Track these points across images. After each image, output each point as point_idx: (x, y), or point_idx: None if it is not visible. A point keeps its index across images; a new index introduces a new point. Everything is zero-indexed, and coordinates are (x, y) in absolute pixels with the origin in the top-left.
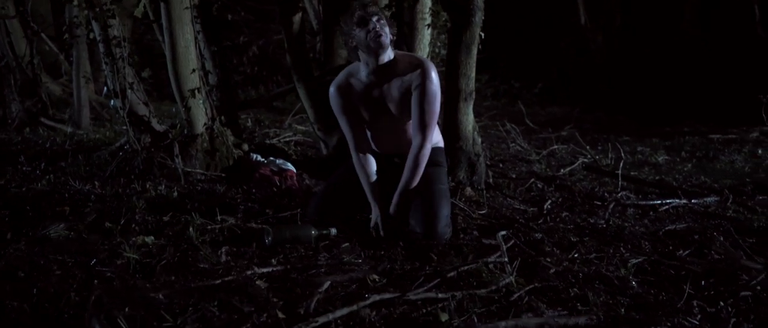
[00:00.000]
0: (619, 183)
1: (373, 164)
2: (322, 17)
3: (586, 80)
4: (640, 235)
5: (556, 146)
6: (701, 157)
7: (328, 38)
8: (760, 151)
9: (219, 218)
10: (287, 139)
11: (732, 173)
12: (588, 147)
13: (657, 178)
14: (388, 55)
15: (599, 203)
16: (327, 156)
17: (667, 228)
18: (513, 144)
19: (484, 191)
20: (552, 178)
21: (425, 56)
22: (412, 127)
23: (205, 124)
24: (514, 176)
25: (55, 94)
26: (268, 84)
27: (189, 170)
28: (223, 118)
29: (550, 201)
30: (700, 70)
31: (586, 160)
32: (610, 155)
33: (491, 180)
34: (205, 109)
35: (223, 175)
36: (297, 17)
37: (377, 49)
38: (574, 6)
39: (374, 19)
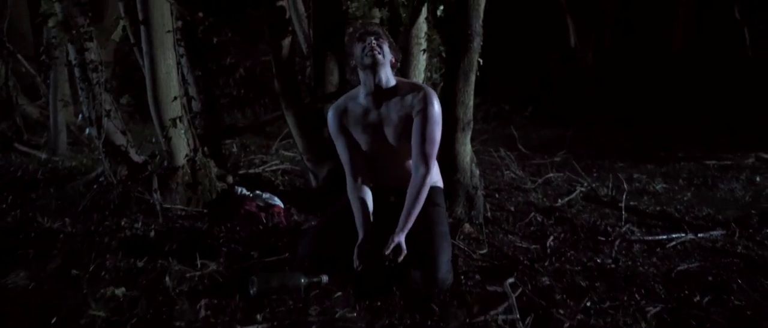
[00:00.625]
0: (623, 217)
1: (368, 192)
2: (313, 41)
3: (577, 102)
4: (652, 277)
5: (551, 174)
6: (699, 184)
7: (319, 63)
8: (758, 179)
9: (199, 262)
10: (274, 167)
11: (733, 203)
12: (584, 174)
13: (658, 208)
14: (387, 77)
15: (603, 239)
16: (316, 188)
17: (678, 268)
18: (507, 171)
19: (483, 227)
20: (551, 209)
21: (421, 82)
22: (413, 157)
23: (186, 155)
24: (512, 208)
25: (32, 117)
26: (255, 107)
27: (168, 205)
28: (206, 149)
29: (552, 237)
30: (691, 92)
31: (583, 189)
32: (607, 183)
33: (489, 214)
34: (187, 140)
35: (206, 211)
36: (286, 41)
37: (371, 65)
38: (563, 27)
39: (372, 37)
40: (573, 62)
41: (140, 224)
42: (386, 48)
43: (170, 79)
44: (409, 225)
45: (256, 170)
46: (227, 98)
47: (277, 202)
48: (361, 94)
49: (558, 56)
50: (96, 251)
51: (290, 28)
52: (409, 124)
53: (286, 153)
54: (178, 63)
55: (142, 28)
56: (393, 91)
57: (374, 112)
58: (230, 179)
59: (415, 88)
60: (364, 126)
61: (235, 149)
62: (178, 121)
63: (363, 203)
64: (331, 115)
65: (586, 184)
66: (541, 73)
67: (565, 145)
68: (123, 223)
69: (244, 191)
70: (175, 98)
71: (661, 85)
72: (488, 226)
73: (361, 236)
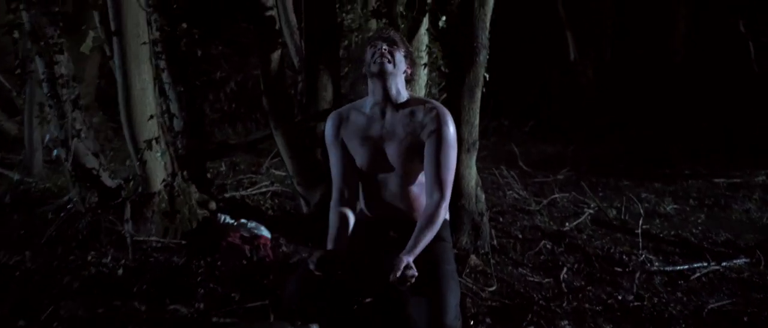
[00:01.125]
0: (640, 244)
1: (351, 213)
2: (305, 54)
3: (578, 117)
4: (682, 317)
5: (557, 195)
6: (712, 205)
7: (312, 78)
8: None
9: (170, 307)
10: (263, 189)
11: (750, 226)
12: (591, 193)
13: (673, 233)
14: (398, 89)
15: (620, 270)
16: (307, 215)
17: (710, 306)
18: (510, 191)
19: (490, 256)
20: (560, 234)
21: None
22: (426, 183)
23: (164, 180)
24: (519, 233)
25: (10, 133)
26: (247, 122)
27: (141, 238)
28: (185, 173)
29: (565, 269)
30: (695, 107)
31: (591, 211)
32: (615, 204)
33: (495, 242)
34: (165, 163)
35: (184, 242)
36: (276, 54)
37: (377, 73)
38: (563, 41)
39: (384, 42)
40: (573, 76)
41: (109, 258)
42: (399, 56)
43: (145, 96)
44: (419, 249)
45: (244, 193)
46: (218, 113)
47: (264, 232)
48: (367, 104)
49: (558, 70)
50: (53, 294)
51: (280, 41)
52: (415, 142)
53: (277, 172)
54: (156, 78)
55: (114, 39)
56: (403, 106)
57: (378, 124)
58: (213, 205)
59: (427, 105)
60: (364, 138)
61: (223, 168)
62: (154, 142)
63: (343, 219)
64: (329, 122)
65: (593, 205)
66: (540, 87)
67: (568, 162)
68: (89, 257)
69: (228, 219)
70: (151, 117)
71: (664, 100)
72: (495, 255)
73: (329, 247)
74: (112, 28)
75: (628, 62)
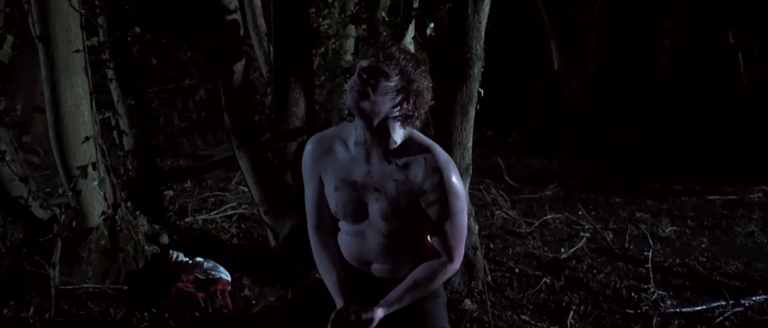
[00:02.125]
0: (651, 278)
1: (337, 248)
2: (275, 63)
3: (562, 129)
4: None
5: (548, 216)
6: (712, 227)
7: (282, 90)
8: None
9: None
10: (229, 212)
11: (757, 251)
12: (583, 212)
13: (678, 261)
14: (387, 132)
15: (632, 312)
16: (276, 249)
17: None
18: (498, 211)
19: (486, 297)
20: (557, 264)
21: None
22: (434, 244)
23: (103, 213)
24: (513, 264)
25: None
26: (217, 132)
27: (71, 286)
28: (129, 204)
29: (571, 313)
30: (681, 121)
31: (587, 234)
32: (610, 226)
33: (489, 277)
34: (105, 192)
35: (126, 287)
36: (239, 64)
37: (350, 108)
38: (547, 51)
39: (367, 70)
40: (557, 87)
41: (31, 311)
42: (386, 88)
43: (79, 113)
44: (399, 304)
45: (207, 216)
46: (187, 122)
47: (222, 273)
48: (352, 136)
49: (542, 81)
50: None
51: (245, 48)
52: (410, 202)
53: (247, 190)
54: (93, 92)
55: (40, 46)
56: (394, 153)
57: (361, 168)
58: (165, 238)
59: (426, 155)
60: (343, 180)
61: (188, 184)
62: (90, 168)
63: (334, 260)
64: (309, 148)
65: (588, 227)
66: (525, 99)
67: (555, 177)
68: (6, 311)
69: (182, 257)
70: (87, 139)
71: (649, 114)
72: (491, 295)
73: (339, 303)
74: (37, 32)
75: (612, 75)
